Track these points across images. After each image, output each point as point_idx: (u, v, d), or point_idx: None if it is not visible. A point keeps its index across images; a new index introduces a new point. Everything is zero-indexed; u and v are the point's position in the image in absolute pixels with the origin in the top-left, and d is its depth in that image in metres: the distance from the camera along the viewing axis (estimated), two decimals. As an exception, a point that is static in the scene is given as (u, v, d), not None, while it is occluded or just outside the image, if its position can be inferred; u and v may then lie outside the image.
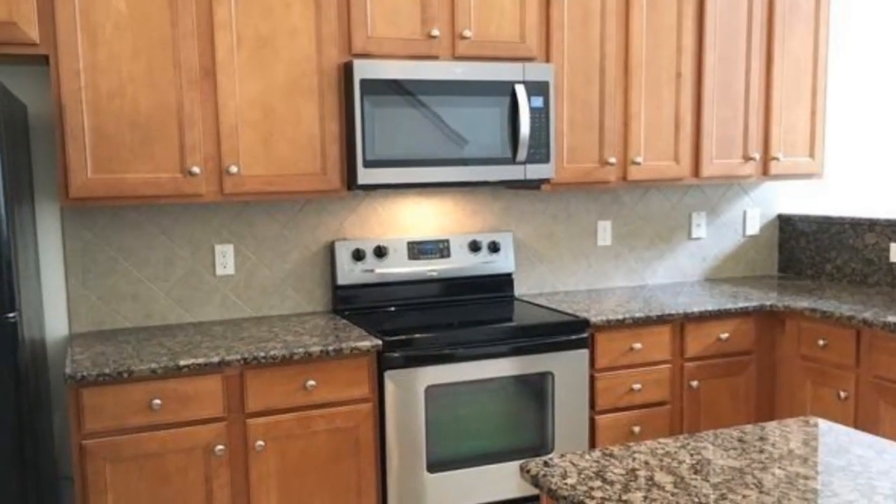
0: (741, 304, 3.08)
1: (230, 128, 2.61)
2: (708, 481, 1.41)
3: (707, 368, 3.05)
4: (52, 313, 2.79)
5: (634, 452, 1.56)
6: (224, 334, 2.70)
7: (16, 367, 2.08)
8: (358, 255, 3.03)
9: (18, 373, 2.09)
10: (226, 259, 2.96)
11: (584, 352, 2.82)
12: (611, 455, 1.55)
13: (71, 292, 2.78)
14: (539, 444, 2.79)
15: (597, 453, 1.56)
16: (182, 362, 2.34)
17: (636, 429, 2.95)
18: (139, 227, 2.85)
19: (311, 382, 2.48)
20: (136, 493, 2.34)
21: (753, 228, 3.84)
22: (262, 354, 2.42)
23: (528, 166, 2.90)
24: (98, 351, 2.49)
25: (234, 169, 2.61)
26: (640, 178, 3.20)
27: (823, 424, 1.70)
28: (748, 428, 1.69)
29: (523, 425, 2.76)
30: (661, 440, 1.63)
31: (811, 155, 3.49)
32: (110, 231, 2.82)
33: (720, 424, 3.09)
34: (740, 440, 1.62)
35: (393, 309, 3.08)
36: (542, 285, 3.46)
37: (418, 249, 3.13)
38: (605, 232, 3.54)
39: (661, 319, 2.94)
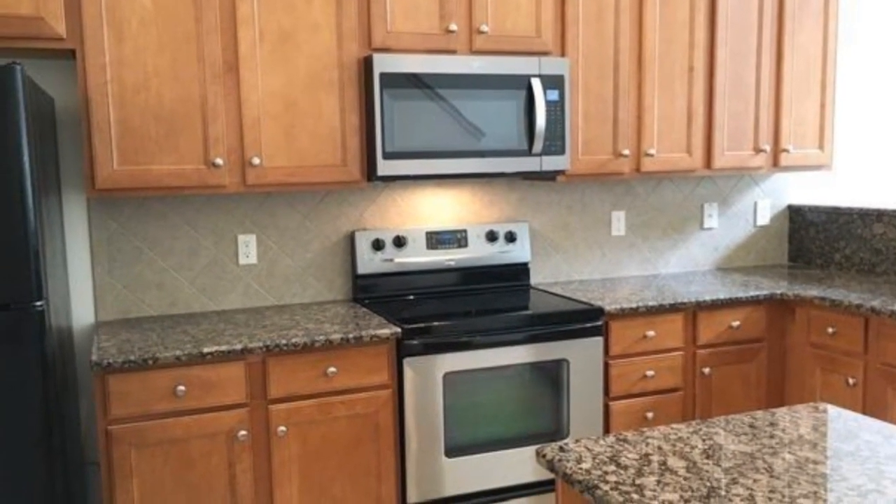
0: (752, 293, 3.13)
1: (252, 120, 2.67)
2: (720, 466, 1.47)
3: (719, 356, 3.10)
4: (79, 302, 2.87)
5: (648, 438, 1.62)
6: (247, 322, 2.77)
7: (43, 354, 2.15)
8: (377, 245, 3.10)
9: (46, 360, 2.16)
10: (248, 249, 3.03)
11: (599, 339, 2.88)
12: (624, 440, 1.61)
13: (97, 281, 2.86)
14: (554, 430, 2.86)
15: (611, 438, 1.62)
16: (206, 349, 2.41)
17: (649, 415, 3.01)
18: (164, 218, 2.92)
19: (332, 369, 2.55)
20: (161, 478, 2.42)
21: (764, 219, 3.87)
22: (284, 342, 2.48)
23: (544, 158, 2.95)
24: (124, 338, 2.57)
25: (256, 161, 2.67)
26: (653, 170, 3.25)
27: (832, 410, 1.75)
28: (759, 414, 1.74)
29: (539, 411, 2.83)
30: (674, 426, 1.69)
31: (820, 147, 3.52)
32: (135, 221, 2.89)
33: (731, 410, 3.15)
34: (751, 426, 1.67)
35: (412, 297, 3.15)
36: (558, 274, 3.52)
37: (436, 239, 3.19)
38: (618, 222, 3.59)
39: (674, 308, 3.00)
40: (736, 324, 3.11)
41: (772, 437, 1.61)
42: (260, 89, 2.67)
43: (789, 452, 1.52)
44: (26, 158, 2.10)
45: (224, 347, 2.43)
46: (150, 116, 2.56)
